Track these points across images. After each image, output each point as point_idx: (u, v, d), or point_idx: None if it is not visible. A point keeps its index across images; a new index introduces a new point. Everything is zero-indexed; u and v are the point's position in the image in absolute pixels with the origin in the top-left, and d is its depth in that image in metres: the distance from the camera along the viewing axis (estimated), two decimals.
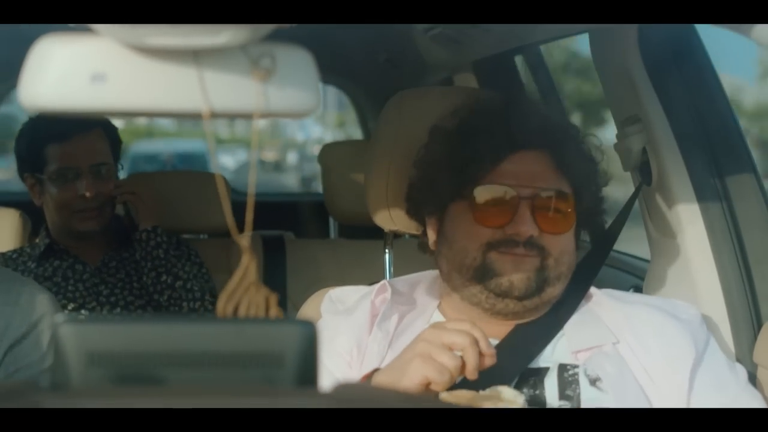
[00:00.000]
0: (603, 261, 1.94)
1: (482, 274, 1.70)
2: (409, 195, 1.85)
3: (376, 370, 1.61)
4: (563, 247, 1.72)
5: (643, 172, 2.04)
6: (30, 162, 2.77)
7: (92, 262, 2.83)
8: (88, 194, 2.70)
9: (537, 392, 1.67)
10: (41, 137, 2.73)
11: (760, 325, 1.93)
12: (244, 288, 0.90)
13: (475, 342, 1.48)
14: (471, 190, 1.71)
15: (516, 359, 1.70)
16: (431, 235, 1.80)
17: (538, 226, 1.69)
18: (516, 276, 1.69)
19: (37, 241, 2.87)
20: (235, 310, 0.90)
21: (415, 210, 1.85)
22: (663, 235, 2.06)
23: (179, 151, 17.48)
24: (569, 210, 1.72)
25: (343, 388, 0.81)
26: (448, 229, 1.76)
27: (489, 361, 1.48)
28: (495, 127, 1.73)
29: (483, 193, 1.71)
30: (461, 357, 1.47)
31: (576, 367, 1.68)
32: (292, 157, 25.20)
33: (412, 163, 1.83)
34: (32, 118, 2.82)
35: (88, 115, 0.93)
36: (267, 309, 0.90)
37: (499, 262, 1.69)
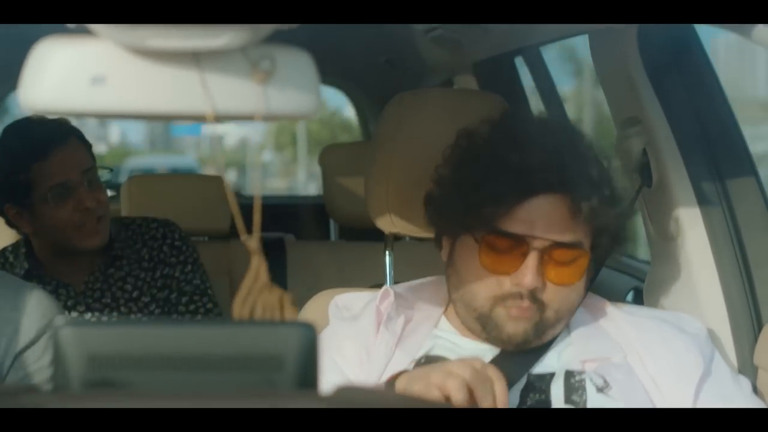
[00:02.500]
0: (602, 264, 1.94)
1: (485, 321, 1.68)
2: (426, 203, 1.78)
3: (402, 373, 1.59)
4: (566, 297, 1.67)
5: (644, 174, 2.04)
6: (10, 192, 2.51)
7: (76, 283, 2.62)
8: (89, 205, 2.50)
9: (542, 397, 1.67)
10: (18, 164, 2.49)
11: (760, 328, 1.93)
12: (257, 291, 0.90)
13: (490, 386, 1.44)
14: (482, 232, 1.65)
15: (519, 364, 1.70)
16: (444, 249, 1.77)
17: (544, 277, 1.64)
18: (514, 330, 1.66)
19: (15, 250, 2.65)
20: (251, 313, 0.90)
21: (431, 220, 1.79)
22: (663, 237, 2.06)
23: (173, 166, 17.93)
24: (581, 259, 1.66)
25: (343, 390, 0.81)
26: (457, 260, 1.72)
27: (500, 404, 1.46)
28: (518, 165, 1.63)
29: (492, 241, 1.64)
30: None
31: (582, 373, 1.68)
32: (231, 175, 25.89)
33: (435, 168, 1.75)
34: None
35: (87, 117, 0.93)
36: (282, 309, 0.90)
37: (501, 316, 1.66)
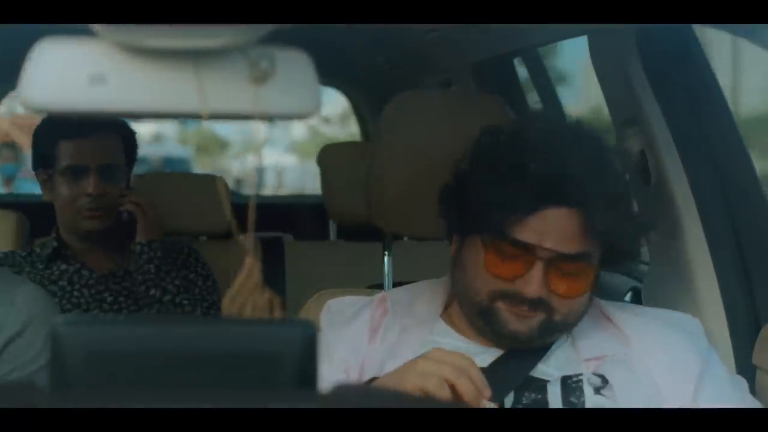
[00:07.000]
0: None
1: (487, 316, 1.68)
2: (441, 197, 1.76)
3: (373, 379, 1.60)
4: (572, 306, 1.67)
5: (642, 174, 2.04)
6: (44, 157, 2.78)
7: (99, 269, 2.81)
8: (92, 192, 2.69)
9: (540, 397, 1.67)
10: (56, 133, 2.74)
11: (758, 328, 1.94)
12: (248, 290, 0.90)
13: (467, 375, 1.44)
14: (491, 236, 1.64)
15: (520, 367, 1.70)
16: (453, 245, 1.77)
17: (548, 288, 1.63)
18: (519, 327, 1.66)
19: (45, 241, 2.85)
20: (240, 312, 0.90)
21: (444, 214, 1.77)
22: (662, 237, 2.06)
23: (167, 156, 18.00)
24: (588, 272, 1.66)
25: (341, 390, 0.81)
26: (464, 257, 1.71)
27: (485, 394, 1.45)
28: (536, 174, 1.61)
29: (500, 247, 1.64)
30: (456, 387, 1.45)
31: (580, 375, 1.68)
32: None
33: (455, 163, 1.73)
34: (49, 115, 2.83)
35: (87, 116, 0.93)
36: (271, 311, 0.90)
37: (504, 312, 1.66)
